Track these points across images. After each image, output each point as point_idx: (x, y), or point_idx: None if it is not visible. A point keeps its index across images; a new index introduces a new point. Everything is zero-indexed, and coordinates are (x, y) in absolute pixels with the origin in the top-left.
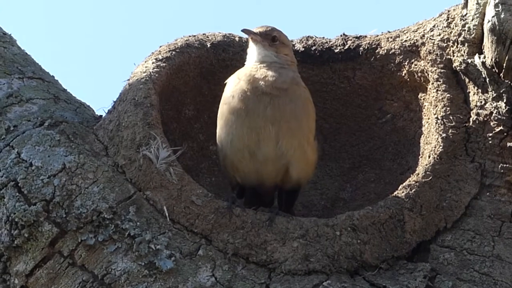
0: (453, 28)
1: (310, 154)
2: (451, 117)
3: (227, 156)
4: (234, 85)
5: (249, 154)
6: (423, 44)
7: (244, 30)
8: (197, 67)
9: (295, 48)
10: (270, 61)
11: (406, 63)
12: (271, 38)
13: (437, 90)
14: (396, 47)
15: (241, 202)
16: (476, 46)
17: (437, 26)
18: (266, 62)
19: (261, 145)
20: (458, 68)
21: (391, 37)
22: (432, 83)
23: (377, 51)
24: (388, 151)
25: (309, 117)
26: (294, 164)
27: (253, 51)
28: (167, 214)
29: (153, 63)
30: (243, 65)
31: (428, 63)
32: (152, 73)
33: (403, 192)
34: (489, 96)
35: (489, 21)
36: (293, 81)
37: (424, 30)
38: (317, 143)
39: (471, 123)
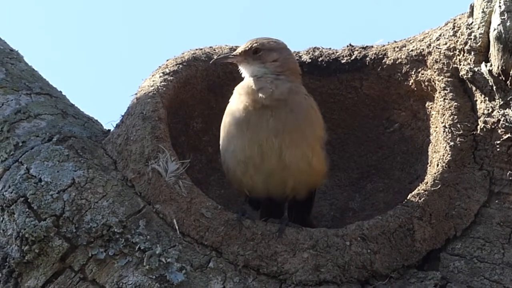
0: (459, 37)
1: (316, 164)
2: (458, 125)
3: (229, 168)
4: (235, 100)
5: (253, 167)
6: (429, 53)
7: (218, 59)
8: (204, 80)
9: (302, 59)
10: (261, 74)
11: (413, 73)
12: (252, 52)
13: (444, 99)
14: (402, 56)
15: (257, 214)
16: (483, 55)
17: (443, 35)
18: (258, 75)
19: (264, 157)
20: (465, 76)
21: (397, 47)
22: (439, 92)
23: (383, 61)
24: (397, 161)
25: (312, 125)
26: (299, 175)
27: (242, 70)
28: (177, 227)
29: (160, 76)
30: None
31: (435, 72)
32: (159, 87)
33: (412, 201)
34: (496, 104)
35: (495, 29)
36: (291, 91)
37: (430, 39)
38: (325, 153)
39: (478, 131)
